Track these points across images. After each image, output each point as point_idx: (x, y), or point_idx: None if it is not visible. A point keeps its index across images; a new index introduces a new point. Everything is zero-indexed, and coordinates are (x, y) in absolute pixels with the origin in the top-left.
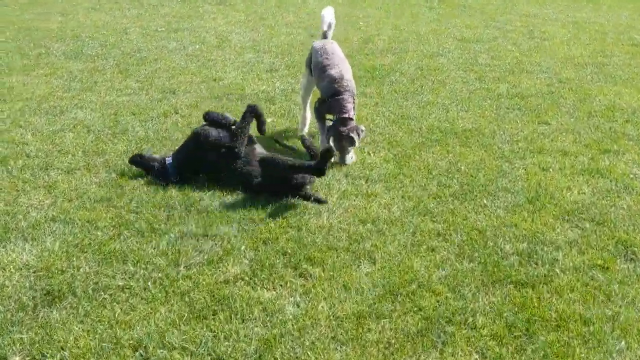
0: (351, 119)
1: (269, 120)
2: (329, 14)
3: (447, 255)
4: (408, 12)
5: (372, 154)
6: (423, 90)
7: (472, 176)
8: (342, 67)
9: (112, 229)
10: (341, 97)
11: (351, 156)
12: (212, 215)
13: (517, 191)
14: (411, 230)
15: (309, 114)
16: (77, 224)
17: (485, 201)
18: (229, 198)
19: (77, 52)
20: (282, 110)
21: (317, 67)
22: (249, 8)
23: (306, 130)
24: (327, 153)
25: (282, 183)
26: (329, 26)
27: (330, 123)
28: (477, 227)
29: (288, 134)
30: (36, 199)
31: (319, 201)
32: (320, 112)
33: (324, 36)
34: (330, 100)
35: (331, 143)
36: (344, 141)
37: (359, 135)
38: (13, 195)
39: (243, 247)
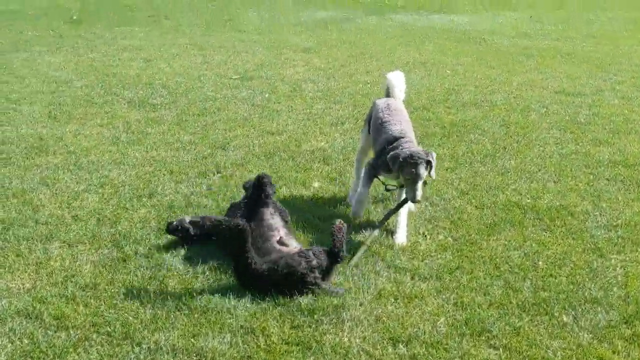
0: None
1: (315, 185)
2: (397, 80)
3: None
4: (503, 60)
5: (427, 236)
6: (506, 152)
7: (551, 276)
8: (404, 125)
9: (80, 330)
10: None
11: (420, 191)
12: (205, 318)
13: (610, 304)
14: None
15: None
16: (44, 320)
17: (565, 318)
18: (235, 291)
19: (143, 100)
20: (335, 172)
21: (375, 124)
22: (332, 54)
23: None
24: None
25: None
26: (397, 88)
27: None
28: None
29: (333, 202)
30: (18, 280)
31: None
32: (371, 172)
33: (390, 94)
34: (388, 147)
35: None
36: (411, 165)
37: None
38: None
39: None
